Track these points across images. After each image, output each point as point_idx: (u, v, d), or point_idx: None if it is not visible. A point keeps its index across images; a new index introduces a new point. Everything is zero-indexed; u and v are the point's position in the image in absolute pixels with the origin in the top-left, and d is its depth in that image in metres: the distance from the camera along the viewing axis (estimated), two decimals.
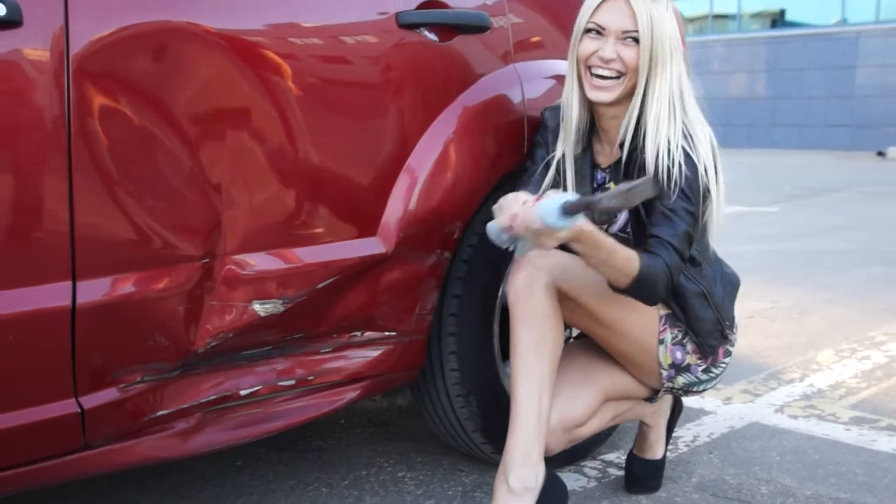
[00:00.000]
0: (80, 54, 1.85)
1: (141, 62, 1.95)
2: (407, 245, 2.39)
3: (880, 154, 20.76)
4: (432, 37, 2.45)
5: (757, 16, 26.37)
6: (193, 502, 2.65)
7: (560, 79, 2.69)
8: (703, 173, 2.29)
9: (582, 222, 2.05)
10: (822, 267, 6.44)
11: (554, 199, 2.03)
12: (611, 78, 2.31)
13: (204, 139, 2.05)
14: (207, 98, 2.06)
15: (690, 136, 2.30)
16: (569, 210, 2.00)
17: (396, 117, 2.39)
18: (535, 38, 2.77)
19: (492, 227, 2.14)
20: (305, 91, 2.20)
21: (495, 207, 2.15)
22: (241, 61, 2.09)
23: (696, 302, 2.39)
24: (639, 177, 2.28)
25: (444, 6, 2.49)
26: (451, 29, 2.49)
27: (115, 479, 2.76)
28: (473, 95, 2.53)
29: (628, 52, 2.28)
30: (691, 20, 26.69)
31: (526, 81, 2.64)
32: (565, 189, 2.43)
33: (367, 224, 2.35)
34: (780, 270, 6.26)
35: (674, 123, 2.29)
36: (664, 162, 2.26)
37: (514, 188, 2.52)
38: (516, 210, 2.06)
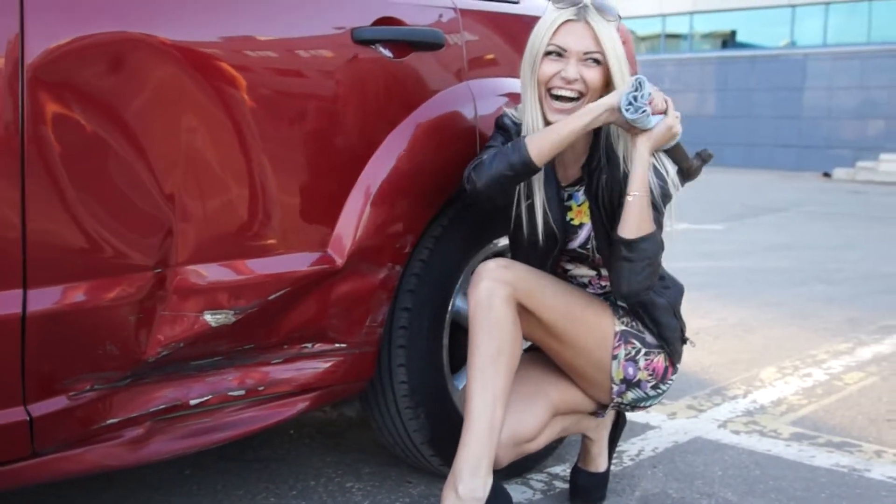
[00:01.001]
0: (34, 63, 1.84)
1: (95, 71, 1.94)
2: (358, 258, 2.39)
3: (826, 175, 21.03)
4: (387, 53, 2.46)
5: (708, 36, 26.66)
6: None
7: (512, 97, 2.72)
8: (671, 185, 2.37)
9: None
10: (766, 285, 6.52)
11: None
12: (572, 99, 2.33)
13: (157, 149, 2.04)
14: (161, 109, 2.05)
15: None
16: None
17: (350, 132, 2.39)
18: (488, 56, 2.79)
19: (648, 85, 2.25)
20: (260, 104, 2.20)
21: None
22: (195, 73, 2.09)
23: (664, 314, 2.44)
24: (607, 192, 2.36)
25: (400, 23, 2.50)
26: (406, 46, 2.50)
27: (62, 486, 2.74)
28: (427, 112, 2.54)
29: (590, 73, 2.32)
30: (644, 39, 26.90)
31: (479, 98, 2.65)
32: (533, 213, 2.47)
33: (319, 237, 2.35)
34: (725, 288, 6.32)
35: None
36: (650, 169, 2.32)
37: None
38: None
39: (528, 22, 2.90)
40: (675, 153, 2.39)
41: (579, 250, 2.46)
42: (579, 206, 2.46)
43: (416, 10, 2.57)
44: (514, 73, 2.80)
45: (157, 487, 2.77)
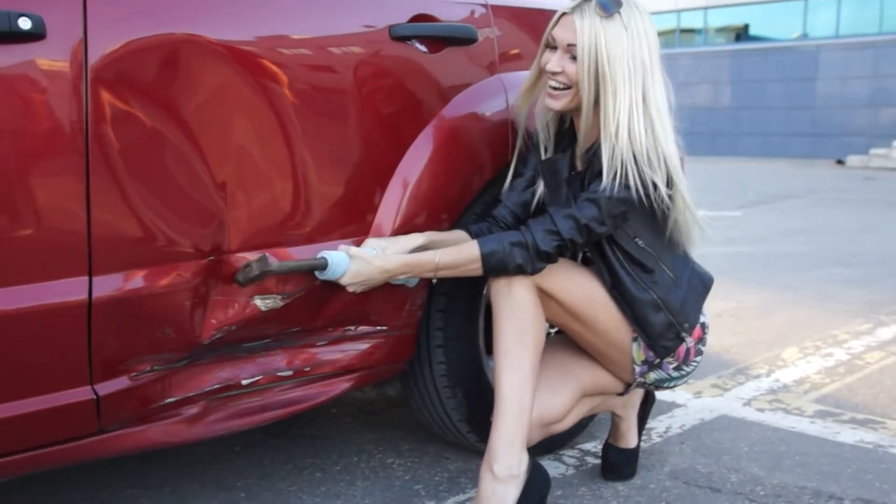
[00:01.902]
0: (97, 64, 1.90)
1: (152, 71, 2.00)
2: None
3: (839, 162, 20.91)
4: (423, 49, 2.50)
5: (722, 30, 26.54)
6: (196, 483, 2.70)
7: None
8: (636, 201, 2.29)
9: (384, 262, 2.28)
10: (785, 269, 6.52)
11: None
12: (560, 89, 2.34)
13: (210, 144, 2.09)
14: (213, 105, 2.10)
15: (648, 159, 2.28)
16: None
17: (388, 124, 2.44)
18: (517, 50, 2.82)
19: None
20: (303, 99, 2.25)
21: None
22: (243, 71, 2.14)
23: (647, 308, 2.39)
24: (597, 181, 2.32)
25: (434, 20, 2.54)
26: (440, 41, 2.54)
27: (123, 460, 2.81)
28: (461, 104, 2.58)
29: (571, 66, 2.31)
30: (659, 34, 26.78)
31: (511, 91, 2.68)
32: (548, 191, 2.51)
33: (360, 225, 2.39)
34: (745, 272, 6.33)
35: (627, 144, 2.27)
36: (617, 177, 2.27)
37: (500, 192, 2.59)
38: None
39: (552, 17, 2.95)
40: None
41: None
42: None
43: (449, 6, 2.61)
44: None
45: (209, 463, 2.84)
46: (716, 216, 9.62)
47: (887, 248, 7.58)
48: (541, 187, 2.52)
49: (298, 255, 2.27)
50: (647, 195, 2.28)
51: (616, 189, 2.27)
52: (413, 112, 2.49)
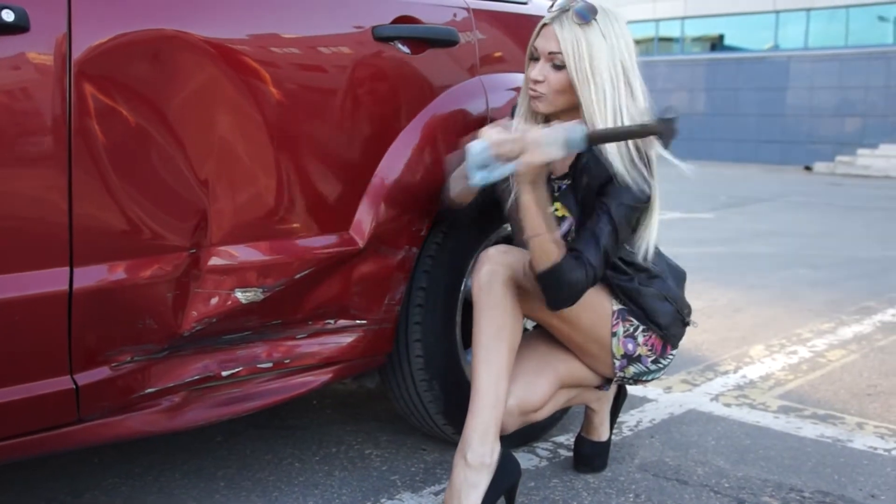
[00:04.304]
0: (81, 58, 1.84)
1: (136, 66, 1.94)
2: (378, 240, 2.39)
3: (807, 168, 21.02)
4: (405, 49, 2.45)
5: (698, 40, 26.61)
6: (177, 472, 2.64)
7: (521, 91, 2.71)
8: (639, 193, 2.25)
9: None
10: (753, 269, 6.51)
11: (579, 126, 2.11)
12: (537, 98, 2.33)
13: (193, 140, 2.04)
14: (196, 101, 2.05)
15: (643, 154, 2.27)
16: (591, 138, 2.08)
17: (370, 123, 2.39)
18: (497, 53, 2.78)
19: (477, 146, 2.14)
20: (287, 97, 2.20)
21: (484, 129, 2.18)
22: (228, 68, 2.08)
23: (653, 301, 2.41)
24: (587, 183, 2.29)
25: (417, 21, 2.49)
26: (422, 43, 2.50)
27: (103, 450, 2.75)
28: (442, 104, 2.54)
29: (552, 75, 2.29)
30: (638, 42, 26.81)
31: (490, 92, 2.65)
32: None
33: (341, 220, 2.35)
34: (715, 272, 6.31)
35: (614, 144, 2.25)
36: (620, 172, 2.24)
37: None
38: (523, 131, 2.12)
39: (536, 21, 2.90)
40: (625, 136, 2.20)
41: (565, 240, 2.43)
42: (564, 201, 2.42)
43: (432, 9, 2.56)
44: (522, 69, 2.79)
45: (190, 452, 2.78)
46: (689, 218, 9.64)
47: (849, 251, 7.58)
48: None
49: (284, 249, 2.22)
50: (643, 193, 2.26)
51: (627, 193, 2.24)
52: (395, 111, 2.45)
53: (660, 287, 2.43)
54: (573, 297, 2.24)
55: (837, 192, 14.54)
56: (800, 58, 23.28)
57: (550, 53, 2.27)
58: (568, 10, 2.25)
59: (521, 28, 2.85)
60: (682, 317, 2.48)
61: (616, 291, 2.41)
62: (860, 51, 22.23)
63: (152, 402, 2.12)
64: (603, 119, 2.25)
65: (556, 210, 2.41)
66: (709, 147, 23.74)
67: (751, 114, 23.88)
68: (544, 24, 2.30)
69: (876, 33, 22.47)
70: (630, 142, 2.24)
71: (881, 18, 22.49)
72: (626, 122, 2.25)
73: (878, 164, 19.43)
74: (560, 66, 2.27)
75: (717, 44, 26.17)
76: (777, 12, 24.07)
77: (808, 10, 23.44)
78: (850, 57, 22.35)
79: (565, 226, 2.39)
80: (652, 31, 26.68)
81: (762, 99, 23.69)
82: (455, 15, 2.63)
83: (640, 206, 2.27)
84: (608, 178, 2.25)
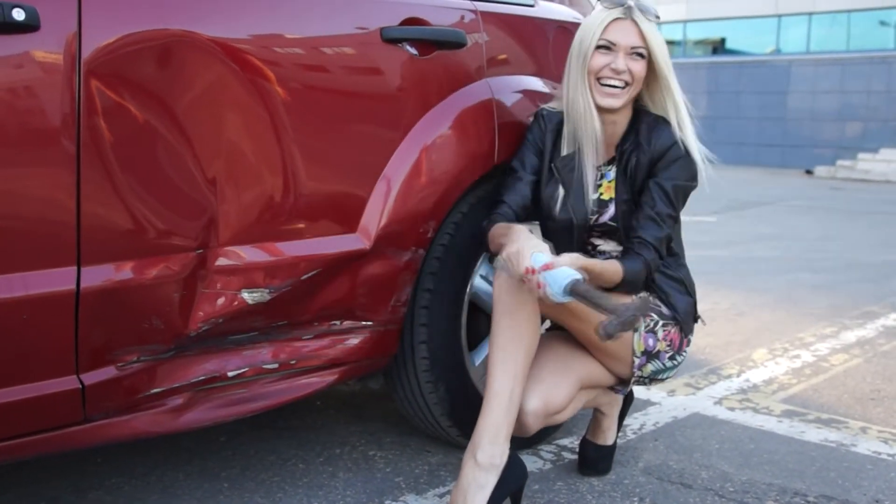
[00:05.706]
0: (90, 57, 1.84)
1: (146, 66, 1.94)
2: (384, 242, 2.38)
3: (808, 172, 20.99)
4: (413, 51, 2.44)
5: (700, 43, 26.60)
6: (180, 473, 2.63)
7: (526, 93, 2.71)
8: (691, 178, 2.47)
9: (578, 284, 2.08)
10: (755, 273, 6.50)
11: (562, 274, 2.07)
12: (619, 87, 2.41)
13: (201, 139, 2.03)
14: (205, 101, 2.04)
15: (684, 142, 2.46)
16: (573, 293, 2.05)
17: (377, 124, 2.38)
18: (504, 56, 2.77)
19: (568, 277, 2.09)
20: (295, 98, 2.19)
21: (504, 256, 2.20)
22: (236, 68, 2.08)
23: (676, 291, 2.49)
24: (636, 170, 2.44)
25: (425, 23, 2.48)
26: (430, 44, 2.49)
27: (107, 450, 2.74)
28: (449, 106, 2.52)
29: (636, 65, 2.41)
30: None
31: (497, 94, 2.63)
32: (566, 188, 2.48)
33: (348, 222, 2.34)
34: (718, 275, 6.30)
35: (672, 129, 2.46)
36: (669, 157, 2.43)
37: (495, 186, 2.58)
38: (525, 268, 2.12)
39: (542, 25, 2.90)
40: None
41: (610, 223, 2.48)
42: (610, 182, 2.49)
43: (440, 11, 2.55)
44: (528, 72, 2.79)
45: (195, 452, 2.77)
46: (691, 221, 9.62)
47: (850, 255, 7.56)
48: (546, 186, 2.52)
49: (290, 250, 2.22)
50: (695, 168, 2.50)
51: (682, 171, 2.46)
52: (402, 113, 2.44)
53: (684, 276, 2.53)
54: (642, 284, 2.43)
55: (838, 197, 14.52)
56: (801, 62, 23.27)
57: (633, 48, 2.39)
58: (629, 6, 2.40)
59: (528, 31, 2.85)
60: (694, 311, 2.55)
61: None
62: (861, 55, 22.23)
63: (158, 402, 2.12)
64: (675, 111, 2.48)
65: (602, 195, 2.50)
66: (710, 150, 23.67)
67: (752, 117, 23.88)
68: (616, 19, 2.40)
69: (877, 38, 22.47)
70: (686, 115, 2.50)
71: (882, 23, 22.49)
72: (675, 118, 2.49)
73: (879, 169, 19.41)
74: (641, 58, 2.41)
75: (718, 47, 26.17)
76: (779, 16, 24.07)
77: (810, 14, 23.45)
78: (852, 61, 22.35)
79: (612, 207, 2.48)
80: None
81: (763, 103, 23.69)
82: (463, 17, 2.61)
83: (692, 185, 2.48)
84: (660, 155, 2.43)
